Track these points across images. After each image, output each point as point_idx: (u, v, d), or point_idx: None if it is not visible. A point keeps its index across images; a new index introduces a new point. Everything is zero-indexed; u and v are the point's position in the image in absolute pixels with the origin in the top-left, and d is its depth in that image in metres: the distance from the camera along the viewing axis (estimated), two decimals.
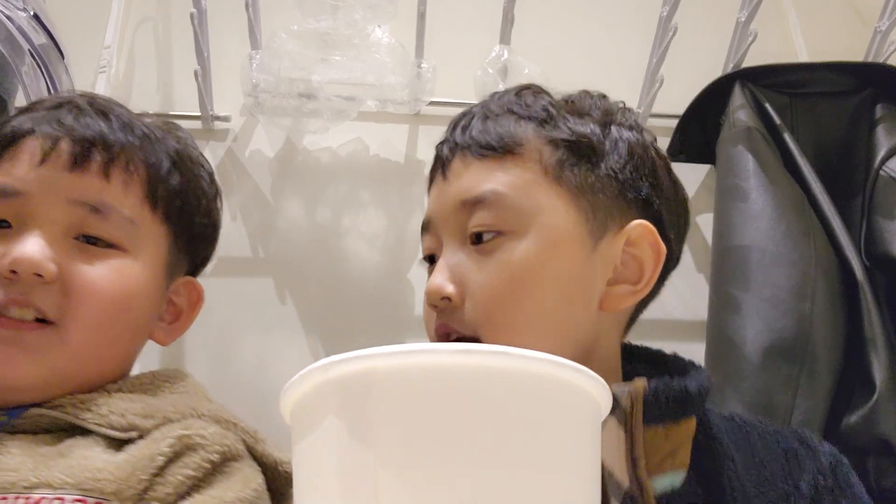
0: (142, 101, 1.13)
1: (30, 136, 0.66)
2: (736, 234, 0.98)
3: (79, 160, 0.65)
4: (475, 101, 1.07)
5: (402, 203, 1.15)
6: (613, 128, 0.67)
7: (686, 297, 1.12)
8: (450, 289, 0.61)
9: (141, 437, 0.60)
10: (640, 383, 0.55)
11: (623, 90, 1.23)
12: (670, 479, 0.57)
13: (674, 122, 1.15)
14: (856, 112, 1.06)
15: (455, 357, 0.32)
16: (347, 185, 1.14)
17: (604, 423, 0.38)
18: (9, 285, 0.61)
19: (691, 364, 0.65)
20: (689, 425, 0.59)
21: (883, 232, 0.96)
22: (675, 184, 0.70)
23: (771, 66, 1.09)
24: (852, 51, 1.16)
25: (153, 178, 0.69)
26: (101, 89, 1.08)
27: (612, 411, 0.54)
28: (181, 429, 0.60)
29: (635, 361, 0.68)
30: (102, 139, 0.66)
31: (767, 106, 1.06)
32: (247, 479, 0.60)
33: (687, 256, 1.15)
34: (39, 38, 0.93)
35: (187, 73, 1.07)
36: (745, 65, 1.11)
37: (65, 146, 0.65)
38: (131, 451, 0.59)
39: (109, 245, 0.66)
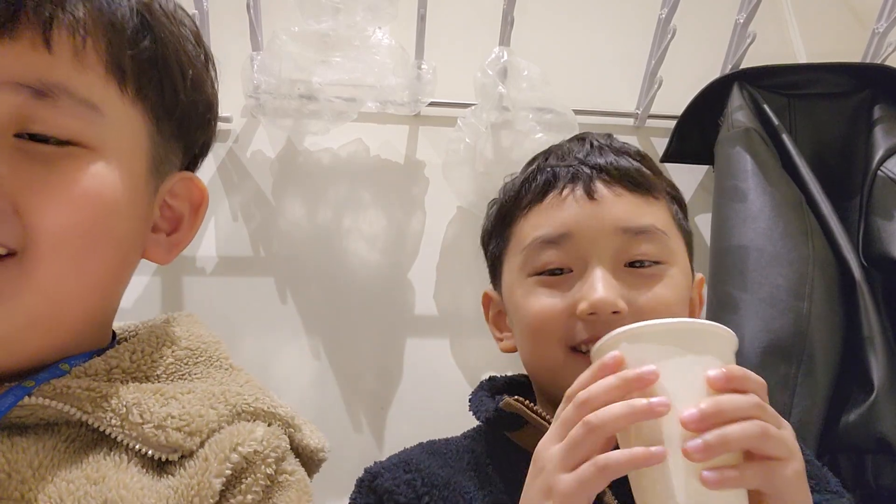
0: None
1: None
2: (734, 235, 0.98)
3: (1, 25, 0.46)
4: (475, 103, 1.10)
5: (402, 203, 1.15)
6: None
7: None
8: (622, 304, 0.69)
9: (182, 456, 0.51)
10: None
11: (622, 91, 1.25)
12: None
13: (672, 123, 1.15)
14: (854, 113, 1.06)
15: (670, 324, 0.52)
16: (348, 186, 1.15)
17: None
18: None
19: None
20: None
21: (880, 232, 0.97)
22: None
23: (769, 68, 1.09)
24: (850, 52, 1.16)
25: (116, 43, 0.51)
26: None
27: None
28: (233, 443, 0.52)
29: None
30: None
31: (766, 107, 1.06)
32: (300, 493, 0.56)
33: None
34: None
35: None
36: (743, 66, 1.12)
37: None
38: (182, 478, 0.50)
39: (65, 143, 0.49)
